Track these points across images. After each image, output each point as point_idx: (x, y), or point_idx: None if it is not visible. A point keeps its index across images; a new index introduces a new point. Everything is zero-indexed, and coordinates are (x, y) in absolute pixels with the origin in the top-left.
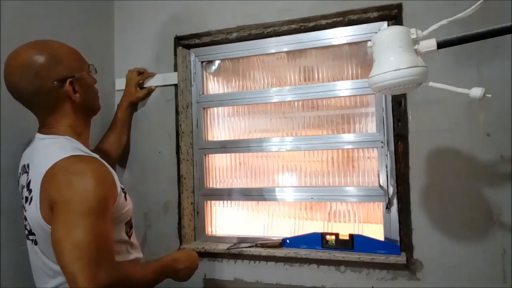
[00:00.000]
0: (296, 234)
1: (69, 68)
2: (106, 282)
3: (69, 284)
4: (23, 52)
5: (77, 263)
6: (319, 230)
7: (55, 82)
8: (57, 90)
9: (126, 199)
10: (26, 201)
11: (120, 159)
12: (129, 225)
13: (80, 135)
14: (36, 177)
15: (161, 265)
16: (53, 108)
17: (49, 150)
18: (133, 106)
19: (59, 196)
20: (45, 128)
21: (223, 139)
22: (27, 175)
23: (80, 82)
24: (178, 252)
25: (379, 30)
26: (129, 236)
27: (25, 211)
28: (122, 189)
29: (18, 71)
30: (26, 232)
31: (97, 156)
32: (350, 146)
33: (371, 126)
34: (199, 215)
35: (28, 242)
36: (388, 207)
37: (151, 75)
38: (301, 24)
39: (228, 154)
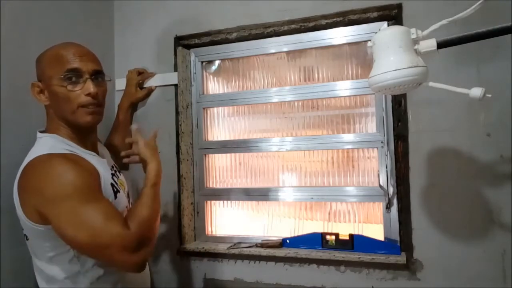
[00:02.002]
0: (296, 234)
1: (41, 72)
2: (137, 244)
3: (118, 261)
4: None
5: (106, 250)
6: (319, 230)
7: (31, 83)
8: (32, 91)
9: (116, 197)
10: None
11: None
12: None
13: (75, 135)
14: (17, 176)
15: (151, 189)
16: (45, 108)
17: (32, 149)
18: (133, 107)
19: (42, 199)
20: (46, 125)
21: (223, 139)
22: None
23: (47, 88)
24: (150, 165)
25: (379, 30)
26: None
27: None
28: (113, 186)
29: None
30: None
31: (82, 155)
32: (350, 146)
33: (371, 126)
34: (199, 215)
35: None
36: (388, 207)
37: (151, 75)
38: (301, 24)
39: (228, 154)
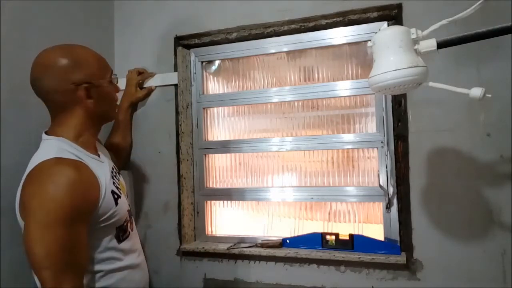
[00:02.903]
0: (296, 234)
1: (88, 74)
2: None
3: None
4: (50, 52)
5: (44, 272)
6: (319, 230)
7: (71, 85)
8: (72, 93)
9: (117, 203)
10: None
11: (128, 159)
12: (122, 229)
13: (82, 137)
14: (22, 179)
15: None
16: (65, 108)
17: (39, 151)
18: (133, 107)
19: (28, 203)
20: (51, 127)
21: (223, 139)
22: None
23: (97, 89)
24: None
25: (379, 30)
26: (122, 241)
27: None
28: (114, 192)
29: (41, 68)
30: None
31: (91, 158)
32: (350, 146)
33: (371, 126)
34: (199, 215)
35: None
36: (388, 207)
37: (151, 75)
38: (301, 24)
39: (228, 154)
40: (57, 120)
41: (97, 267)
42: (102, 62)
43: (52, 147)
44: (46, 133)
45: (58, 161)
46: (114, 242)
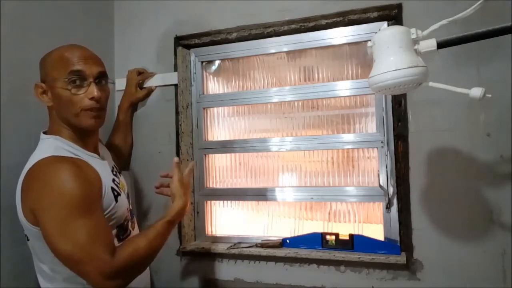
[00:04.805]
0: (296, 234)
1: (44, 73)
2: (114, 272)
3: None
4: None
5: (81, 267)
6: (319, 230)
7: (36, 83)
8: (34, 91)
9: (117, 200)
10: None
11: (129, 159)
12: (122, 228)
13: (77, 136)
14: (21, 176)
15: (164, 224)
16: (48, 109)
17: (37, 151)
18: (134, 107)
19: (38, 205)
20: (49, 126)
21: (223, 139)
22: None
23: (51, 90)
24: (176, 203)
25: (379, 30)
26: (122, 240)
27: None
28: (114, 190)
29: None
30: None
31: (89, 156)
32: (350, 146)
33: (371, 126)
34: (199, 215)
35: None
36: (388, 207)
37: (151, 75)
38: (301, 24)
39: (228, 154)
40: (49, 119)
41: None
42: (62, 61)
43: (49, 146)
44: (44, 132)
45: (56, 159)
46: (115, 240)
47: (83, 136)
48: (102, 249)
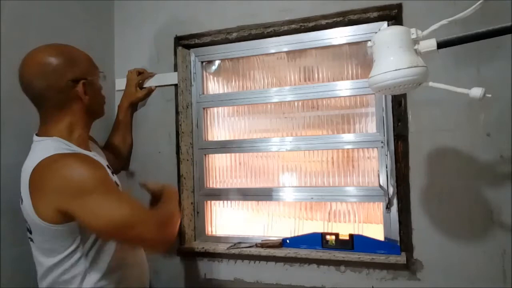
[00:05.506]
0: (296, 234)
1: (83, 71)
2: (160, 216)
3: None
4: (42, 51)
5: (137, 228)
6: (319, 230)
7: (69, 82)
8: (69, 90)
9: None
10: (21, 202)
11: (128, 159)
12: None
13: (75, 135)
14: (24, 178)
15: (170, 201)
16: (61, 106)
17: (36, 151)
18: (133, 107)
19: (67, 196)
20: (42, 128)
21: (223, 139)
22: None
23: (91, 85)
24: (164, 196)
25: (379, 30)
26: None
27: (22, 211)
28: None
29: (35, 68)
30: (27, 231)
31: (87, 153)
32: (350, 146)
33: (371, 126)
34: (199, 215)
35: (30, 242)
36: (388, 207)
37: (151, 75)
38: (301, 24)
39: (228, 154)
40: (50, 120)
41: (101, 266)
42: (91, 60)
43: (50, 146)
44: (37, 135)
45: (62, 155)
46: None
47: (86, 133)
48: (144, 207)
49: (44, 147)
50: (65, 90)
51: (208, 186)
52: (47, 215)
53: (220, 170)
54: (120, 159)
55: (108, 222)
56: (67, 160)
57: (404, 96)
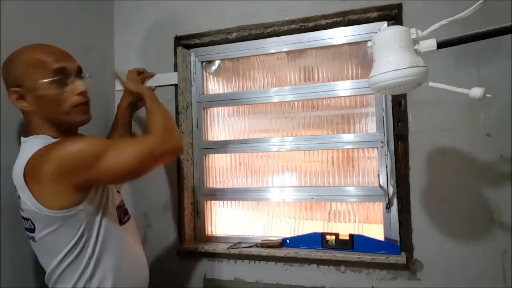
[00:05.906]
0: (296, 234)
1: (17, 78)
2: (162, 134)
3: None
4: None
5: (149, 141)
6: (319, 230)
7: (10, 89)
8: (10, 98)
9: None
10: (19, 200)
11: None
12: (122, 210)
13: (60, 135)
14: (17, 177)
15: (153, 103)
16: (23, 113)
17: (25, 150)
18: (133, 106)
19: (79, 166)
20: (27, 129)
21: (223, 139)
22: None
23: (30, 93)
24: (143, 94)
25: (379, 30)
26: (124, 223)
27: (22, 211)
28: None
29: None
30: (26, 232)
31: None
32: (350, 146)
33: (371, 126)
34: (199, 215)
35: (31, 242)
36: (388, 207)
37: (151, 75)
38: (301, 24)
39: (228, 154)
40: (28, 122)
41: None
42: (40, 62)
43: (37, 142)
44: (24, 136)
45: (53, 143)
46: (116, 223)
47: (68, 134)
48: (147, 138)
49: (31, 145)
50: (9, 98)
51: (208, 186)
52: (54, 201)
53: (220, 170)
54: None
55: (133, 162)
56: (62, 143)
57: (404, 96)
